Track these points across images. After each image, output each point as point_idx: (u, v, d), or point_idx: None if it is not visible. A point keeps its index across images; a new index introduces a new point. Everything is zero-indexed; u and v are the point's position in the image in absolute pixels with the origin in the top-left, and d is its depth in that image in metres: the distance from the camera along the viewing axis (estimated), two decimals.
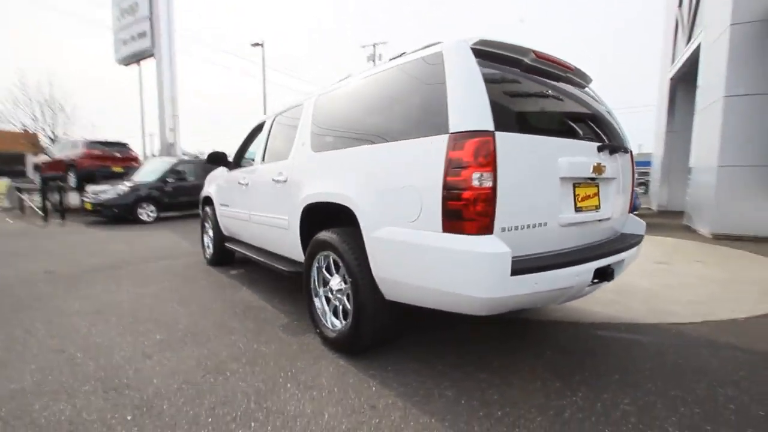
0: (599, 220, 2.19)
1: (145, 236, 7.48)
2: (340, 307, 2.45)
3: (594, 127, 2.37)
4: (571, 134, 2.12)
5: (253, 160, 4.24)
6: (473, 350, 2.44)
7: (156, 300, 3.51)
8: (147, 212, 9.71)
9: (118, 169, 11.50)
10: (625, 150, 2.42)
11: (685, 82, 9.57)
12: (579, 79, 2.47)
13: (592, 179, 2.11)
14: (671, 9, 10.54)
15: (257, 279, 4.22)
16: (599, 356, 2.35)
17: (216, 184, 4.63)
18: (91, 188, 9.98)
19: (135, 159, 12.44)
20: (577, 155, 2.01)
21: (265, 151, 3.57)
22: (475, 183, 1.62)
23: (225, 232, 4.56)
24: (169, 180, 10.23)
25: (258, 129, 4.20)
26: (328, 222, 2.69)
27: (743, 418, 1.74)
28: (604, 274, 1.98)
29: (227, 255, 4.85)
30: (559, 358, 2.33)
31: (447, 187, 1.68)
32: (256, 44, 24.98)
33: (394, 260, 1.95)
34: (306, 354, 2.41)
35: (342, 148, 2.40)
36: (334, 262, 2.45)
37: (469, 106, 1.69)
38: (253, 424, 1.72)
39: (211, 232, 4.95)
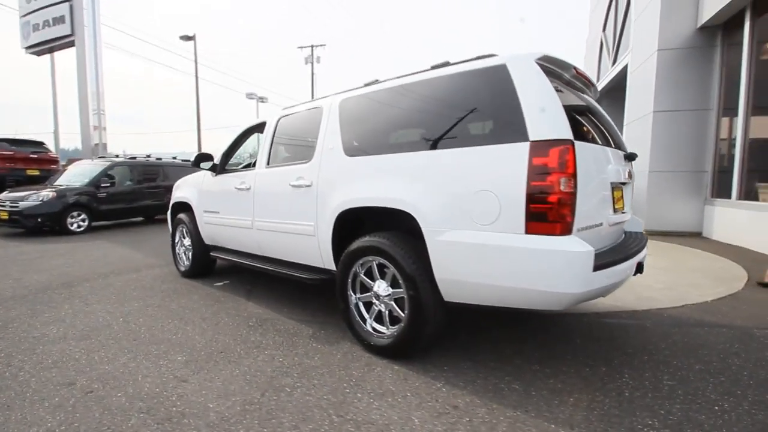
0: (624, 221, 2.47)
1: (83, 249, 6.60)
2: (386, 312, 2.45)
3: (608, 135, 2.66)
4: (606, 143, 2.37)
5: (249, 164, 4.03)
6: (509, 346, 2.58)
7: (150, 318, 3.16)
8: (78, 222, 8.57)
9: (33, 172, 10.00)
10: (633, 157, 2.74)
11: (609, 97, 10.89)
12: (593, 92, 2.75)
13: (623, 183, 2.38)
14: (597, 32, 11.93)
15: (250, 289, 3.98)
16: (621, 340, 2.63)
17: (196, 189, 4.29)
18: (5, 195, 8.54)
19: (54, 161, 10.90)
20: (614, 162, 2.26)
21: (270, 154, 3.41)
22: (560, 187, 1.75)
23: (208, 241, 4.24)
24: (103, 185, 9.14)
25: (250, 132, 4.00)
26: (359, 228, 2.68)
27: (757, 380, 2.08)
28: (639, 268, 2.25)
29: (207, 266, 4.52)
30: (589, 344, 2.56)
31: (531, 192, 1.79)
32: (187, 38, 23.29)
33: (465, 262, 2.01)
34: (355, 362, 2.37)
35: (390, 153, 2.40)
36: (380, 266, 2.44)
37: (549, 116, 1.83)
38: None
39: (187, 242, 4.56)
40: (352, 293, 2.61)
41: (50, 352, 2.55)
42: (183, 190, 4.59)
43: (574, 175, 1.78)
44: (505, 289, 1.93)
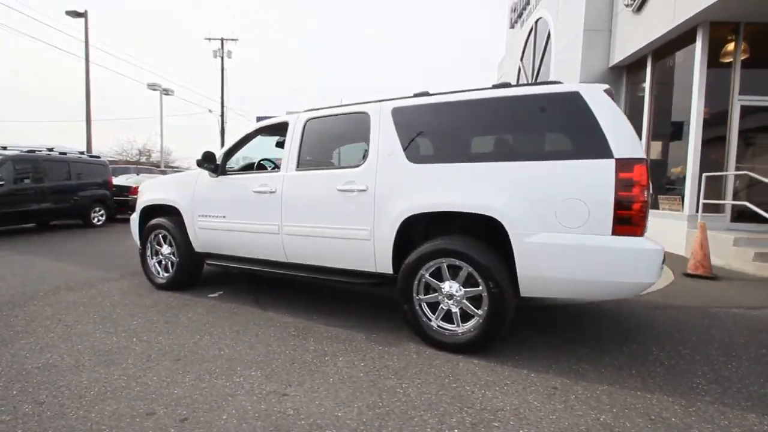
0: None
1: None
2: (457, 311, 2.61)
3: None
4: None
5: (251, 167, 3.81)
6: (552, 335, 2.95)
7: (171, 336, 2.80)
8: None
9: None
10: None
11: None
12: None
13: None
14: (514, 59, 13.58)
15: (256, 299, 3.74)
16: (628, 322, 3.18)
17: (187, 191, 3.86)
18: None
19: None
20: None
21: (299, 157, 3.29)
22: (642, 197, 2.15)
23: (201, 249, 3.85)
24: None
25: (260, 132, 3.78)
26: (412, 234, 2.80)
27: (742, 343, 2.76)
28: None
29: (195, 276, 4.10)
30: (614, 326, 3.06)
31: (619, 200, 2.15)
32: (76, 14, 19.89)
33: (550, 260, 2.29)
34: (435, 360, 2.47)
35: (466, 162, 2.58)
36: (451, 268, 2.60)
37: (627, 137, 2.22)
38: (496, 425, 1.81)
39: (166, 250, 4.06)
40: (416, 295, 2.71)
41: (79, 382, 2.13)
42: (164, 192, 4.07)
43: (648, 187, 2.19)
44: (587, 282, 2.27)
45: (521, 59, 12.90)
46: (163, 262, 4.13)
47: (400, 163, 2.79)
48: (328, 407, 1.93)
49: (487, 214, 2.43)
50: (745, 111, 6.02)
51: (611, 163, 2.19)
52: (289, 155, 3.34)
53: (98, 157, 9.84)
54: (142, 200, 4.22)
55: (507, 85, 2.70)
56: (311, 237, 3.14)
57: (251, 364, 2.38)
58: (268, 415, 1.85)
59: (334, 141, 3.31)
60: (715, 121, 6.18)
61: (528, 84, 2.64)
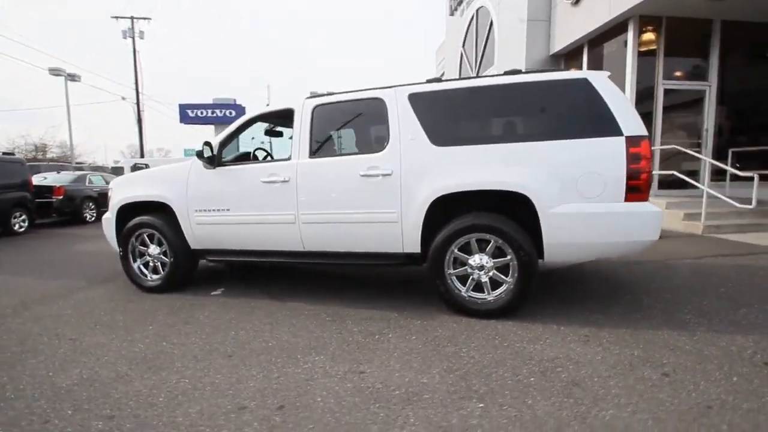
0: None
1: None
2: (487, 281, 2.84)
3: None
4: None
5: (246, 156, 3.67)
6: (560, 298, 3.33)
7: (204, 335, 2.69)
8: None
9: None
10: None
11: None
12: None
13: None
14: (456, 46, 14.12)
15: (268, 291, 3.67)
16: (618, 279, 3.69)
17: (179, 185, 3.59)
18: None
19: None
20: None
21: (311, 144, 3.25)
22: (648, 168, 2.53)
23: (198, 245, 3.64)
24: None
25: (258, 120, 3.65)
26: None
27: (729, 285, 3.36)
28: None
29: (190, 275, 3.88)
30: (604, 283, 3.53)
31: (630, 172, 2.51)
32: None
33: (574, 227, 2.61)
34: (474, 326, 2.68)
35: (489, 143, 2.78)
36: (478, 242, 2.82)
37: (633, 117, 2.58)
38: (560, 369, 2.08)
39: (154, 250, 3.77)
40: (447, 269, 2.90)
41: (137, 391, 2.01)
42: (149, 188, 3.75)
43: (651, 159, 2.58)
44: (604, 244, 2.63)
45: (463, 46, 13.47)
46: (151, 264, 3.83)
47: (425, 147, 2.92)
48: (411, 377, 2.06)
49: (516, 190, 2.67)
50: (667, 92, 7.05)
51: (622, 140, 2.54)
52: (299, 143, 3.28)
53: (12, 154, 8.51)
54: (119, 198, 3.84)
55: (518, 71, 2.94)
56: (332, 224, 3.16)
57: (308, 351, 2.40)
58: (360, 391, 1.93)
59: (346, 127, 3.32)
60: (643, 101, 7.14)
61: (538, 71, 2.90)
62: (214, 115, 34.24)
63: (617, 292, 3.32)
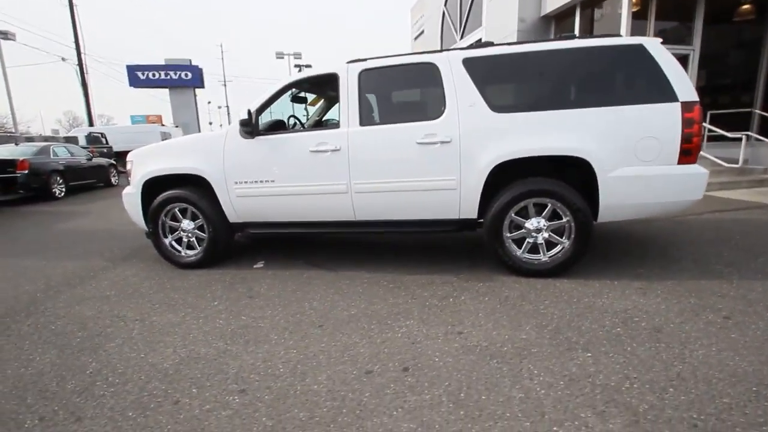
0: None
1: None
2: (543, 243, 3.01)
3: None
4: None
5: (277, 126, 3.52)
6: (598, 256, 3.58)
7: (278, 309, 2.70)
8: None
9: None
10: None
11: None
12: None
13: None
14: (437, 5, 13.71)
15: (313, 261, 3.67)
16: (644, 236, 3.99)
17: (215, 156, 3.40)
18: None
19: None
20: None
21: (360, 111, 3.18)
22: (700, 132, 2.71)
23: (239, 219, 3.54)
24: None
25: (295, 86, 3.49)
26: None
27: (746, 237, 3.74)
28: None
29: (229, 249, 3.79)
30: (636, 242, 3.82)
31: (684, 136, 2.69)
32: None
33: (631, 189, 2.79)
34: (536, 285, 2.87)
35: (550, 110, 2.85)
36: (536, 206, 2.95)
37: (686, 83, 2.72)
38: (636, 319, 2.30)
39: (188, 224, 3.63)
40: (506, 233, 3.03)
41: (251, 365, 2.03)
42: (181, 159, 3.53)
43: (701, 124, 2.77)
44: (656, 204, 2.85)
45: (445, 5, 13.11)
46: (185, 239, 3.70)
47: (484, 113, 2.95)
48: (509, 334, 2.21)
49: (577, 155, 2.79)
50: None
51: (677, 105, 2.70)
52: (348, 110, 3.19)
53: None
54: (146, 171, 3.60)
55: (572, 36, 2.98)
56: (387, 192, 3.17)
57: (395, 317, 2.49)
58: (469, 350, 2.06)
59: (395, 93, 3.26)
60: None
61: (591, 36, 2.95)
62: (168, 77, 32.04)
63: (645, 247, 3.62)
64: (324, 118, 4.41)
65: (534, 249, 3.04)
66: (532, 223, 2.99)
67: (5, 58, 18.01)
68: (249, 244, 4.42)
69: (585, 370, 1.84)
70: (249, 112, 3.24)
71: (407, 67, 3.18)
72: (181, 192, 3.55)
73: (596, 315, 2.38)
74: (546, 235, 2.99)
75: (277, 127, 3.74)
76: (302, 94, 4.13)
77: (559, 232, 2.99)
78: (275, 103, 3.54)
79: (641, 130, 2.74)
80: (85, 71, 24.29)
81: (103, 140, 16.29)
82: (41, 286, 3.37)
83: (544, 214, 2.96)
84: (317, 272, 3.40)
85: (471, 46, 3.12)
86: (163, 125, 26.94)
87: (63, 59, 24.99)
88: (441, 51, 3.13)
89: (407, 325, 2.36)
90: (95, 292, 3.19)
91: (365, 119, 3.19)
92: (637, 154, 2.76)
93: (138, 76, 31.27)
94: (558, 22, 8.93)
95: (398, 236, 4.35)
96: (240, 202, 3.47)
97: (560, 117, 2.84)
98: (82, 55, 24.08)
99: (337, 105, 3.39)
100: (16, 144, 9.55)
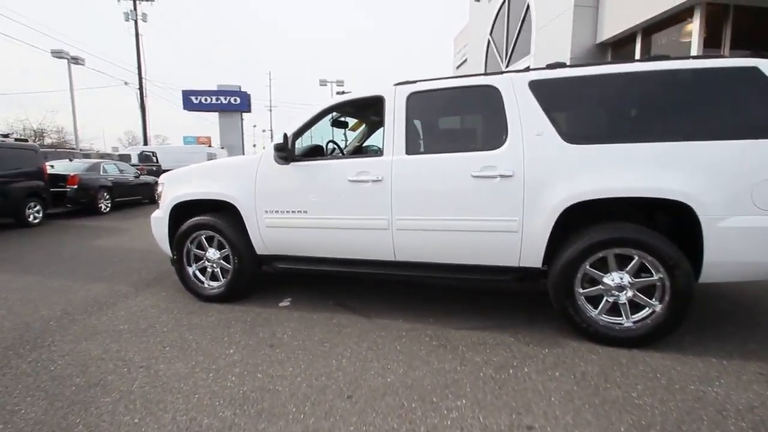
0: None
1: None
2: (626, 303, 2.42)
3: None
4: None
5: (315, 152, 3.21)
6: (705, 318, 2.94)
7: (301, 366, 2.28)
8: None
9: None
10: None
11: None
12: None
13: None
14: (482, 34, 13.53)
15: (346, 303, 3.25)
16: (727, 298, 3.30)
17: (246, 182, 3.13)
18: None
19: None
20: None
21: (407, 138, 2.81)
22: None
23: (267, 251, 3.21)
24: None
25: (335, 109, 3.20)
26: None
27: None
28: None
29: (253, 283, 3.45)
30: (741, 289, 3.14)
31: None
32: None
33: (748, 243, 2.20)
34: (619, 359, 2.29)
35: (636, 141, 2.35)
36: (617, 257, 2.40)
37: None
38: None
39: (213, 254, 3.34)
40: (578, 288, 2.49)
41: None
42: (212, 184, 3.29)
43: None
44: None
45: (491, 33, 12.88)
46: (209, 270, 3.41)
47: (555, 144, 2.48)
48: (560, 383, 1.66)
49: (676, 198, 2.24)
50: None
51: None
52: (393, 136, 2.83)
53: (26, 140, 7.98)
54: (176, 195, 3.39)
55: (666, 57, 2.49)
56: (433, 231, 2.73)
57: (441, 391, 1.99)
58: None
59: (448, 119, 2.88)
60: None
61: (693, 57, 2.45)
62: (219, 102, 33.95)
63: (749, 310, 2.93)
64: (364, 144, 4.11)
65: (612, 310, 2.48)
66: (612, 279, 2.43)
67: (74, 81, 19.62)
68: (278, 276, 4.09)
69: None
70: (285, 136, 2.97)
71: (463, 90, 2.80)
72: (208, 219, 3.28)
73: (713, 414, 1.77)
74: (630, 293, 2.42)
75: (314, 152, 3.46)
76: (343, 118, 3.84)
77: (647, 291, 2.42)
78: (314, 127, 3.27)
79: (761, 170, 2.17)
80: (144, 95, 26.15)
81: (154, 159, 17.09)
82: (57, 313, 3.16)
83: (628, 268, 2.40)
84: (348, 317, 2.97)
85: (539, 68, 2.69)
86: (210, 146, 28.24)
87: (126, 83, 27.06)
88: (503, 72, 2.73)
89: (458, 407, 1.86)
90: (109, 324, 2.92)
91: (412, 147, 2.81)
92: (755, 199, 2.18)
93: (191, 100, 33.38)
94: (615, 50, 8.36)
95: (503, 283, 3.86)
96: (270, 233, 3.15)
97: (652, 151, 2.32)
98: (143, 80, 26.01)
99: (379, 130, 3.05)
100: (71, 160, 10.01)
